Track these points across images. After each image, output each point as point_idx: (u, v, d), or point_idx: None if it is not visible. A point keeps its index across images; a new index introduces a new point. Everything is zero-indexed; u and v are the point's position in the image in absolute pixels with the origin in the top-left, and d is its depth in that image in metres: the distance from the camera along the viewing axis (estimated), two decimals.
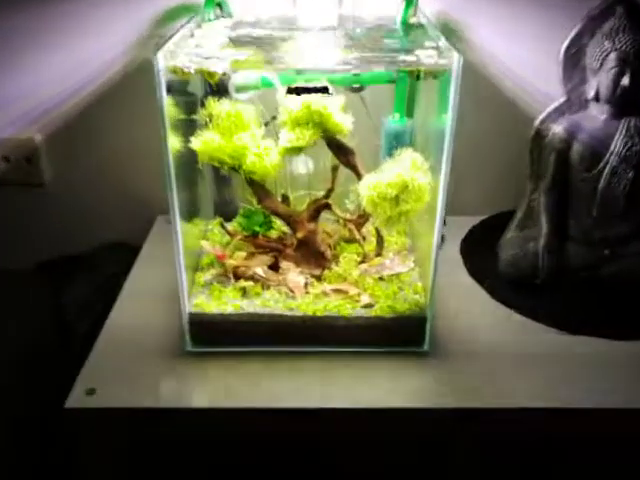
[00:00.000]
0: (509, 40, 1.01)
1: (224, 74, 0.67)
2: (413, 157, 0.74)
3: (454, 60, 0.64)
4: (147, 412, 0.73)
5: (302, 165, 0.92)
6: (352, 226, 0.84)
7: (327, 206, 0.81)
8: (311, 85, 0.70)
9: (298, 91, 0.70)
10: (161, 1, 0.97)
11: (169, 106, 0.69)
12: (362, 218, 0.83)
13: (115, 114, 1.06)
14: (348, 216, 0.83)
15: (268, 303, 0.79)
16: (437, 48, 0.72)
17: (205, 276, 0.82)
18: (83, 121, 1.05)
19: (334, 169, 0.82)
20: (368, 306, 0.79)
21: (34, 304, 1.13)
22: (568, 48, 0.91)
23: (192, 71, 0.66)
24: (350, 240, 0.88)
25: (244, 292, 0.80)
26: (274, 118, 0.80)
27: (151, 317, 0.86)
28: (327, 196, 0.81)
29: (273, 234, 0.88)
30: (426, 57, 0.68)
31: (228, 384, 0.76)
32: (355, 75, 0.85)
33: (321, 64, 0.66)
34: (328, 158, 0.87)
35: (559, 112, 0.94)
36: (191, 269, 0.84)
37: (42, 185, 1.13)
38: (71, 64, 1.01)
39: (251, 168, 0.77)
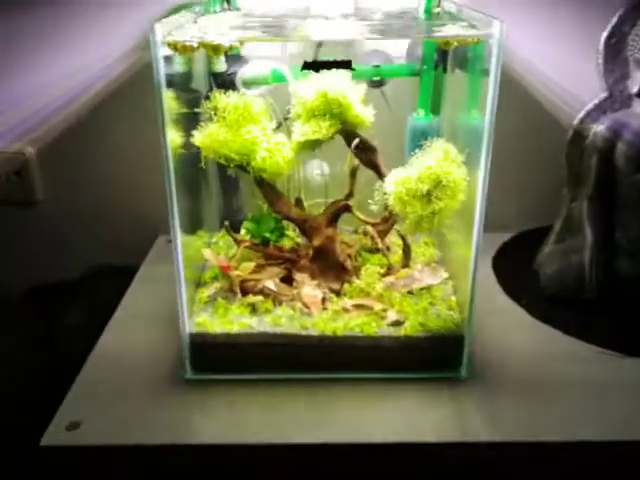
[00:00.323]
0: (539, 40, 0.93)
1: (229, 50, 0.58)
2: (445, 148, 0.64)
3: (496, 27, 0.55)
4: (138, 450, 0.62)
5: (317, 170, 0.83)
6: (374, 233, 0.74)
7: (347, 208, 0.71)
8: (332, 59, 0.60)
9: (316, 66, 0.61)
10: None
11: (170, 100, 0.60)
12: (387, 221, 0.73)
13: (114, 124, 0.97)
14: (371, 219, 0.73)
15: (280, 321, 0.69)
16: (471, 25, 0.64)
17: (208, 291, 0.71)
18: (78, 132, 0.97)
19: (354, 170, 0.73)
20: (396, 324, 0.69)
21: (24, 332, 1.04)
22: (609, 37, 0.82)
23: (194, 44, 0.57)
24: (372, 250, 0.78)
25: (252, 309, 0.70)
26: (289, 113, 0.71)
27: (146, 341, 0.75)
28: (346, 199, 0.72)
29: (285, 245, 0.78)
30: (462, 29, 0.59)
31: (233, 417, 0.65)
32: (375, 67, 0.77)
33: (341, 33, 0.56)
34: (346, 162, 0.79)
35: (600, 110, 0.85)
36: (193, 285, 0.74)
37: (34, 203, 1.04)
38: (67, 69, 0.93)
39: (261, 165, 0.67)
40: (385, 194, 0.66)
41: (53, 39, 0.93)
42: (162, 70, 0.55)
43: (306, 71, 0.61)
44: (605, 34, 0.82)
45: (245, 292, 0.71)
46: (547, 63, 0.93)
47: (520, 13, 0.92)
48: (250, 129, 0.67)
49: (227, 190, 0.85)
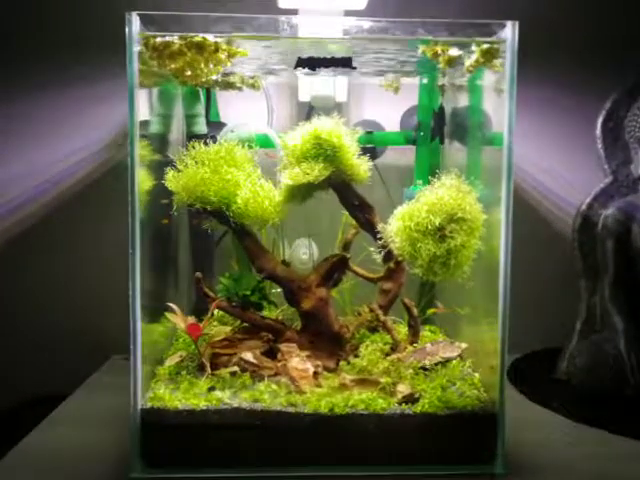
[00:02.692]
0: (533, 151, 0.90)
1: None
2: (456, 183, 0.56)
3: (508, 28, 0.51)
4: None
5: (304, 249, 0.74)
6: (376, 306, 0.63)
7: (343, 264, 0.60)
8: (329, 55, 0.54)
9: (312, 63, 0.54)
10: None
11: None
12: (393, 276, 0.61)
13: (66, 232, 0.88)
14: (373, 275, 0.62)
15: (261, 396, 0.53)
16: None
17: (170, 360, 0.56)
18: (28, 238, 0.88)
19: (346, 244, 0.63)
20: (410, 399, 0.54)
21: None
22: (605, 121, 0.80)
23: (176, 39, 0.51)
24: (374, 328, 0.65)
25: (224, 383, 0.55)
26: None
27: (81, 442, 0.58)
28: (345, 250, 0.61)
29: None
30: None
31: None
32: (368, 133, 0.73)
33: (340, 28, 0.50)
34: (337, 240, 0.70)
35: (607, 195, 0.80)
36: (150, 362, 0.59)
37: None
38: (25, 169, 0.87)
39: (242, 210, 0.58)
40: (390, 238, 0.56)
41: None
42: (136, 67, 0.49)
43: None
44: (601, 119, 0.81)
45: (216, 368, 0.57)
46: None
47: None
48: (232, 170, 0.59)
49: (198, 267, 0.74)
